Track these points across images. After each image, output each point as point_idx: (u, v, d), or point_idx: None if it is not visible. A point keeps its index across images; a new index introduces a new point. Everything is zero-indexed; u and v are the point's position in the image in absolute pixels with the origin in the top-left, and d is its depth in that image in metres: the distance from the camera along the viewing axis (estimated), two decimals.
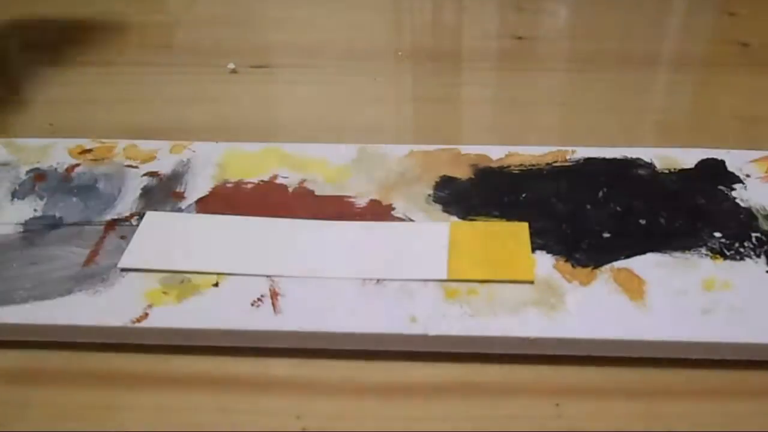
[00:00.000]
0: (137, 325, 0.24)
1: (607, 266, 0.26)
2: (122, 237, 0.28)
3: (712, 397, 0.23)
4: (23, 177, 0.31)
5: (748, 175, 0.31)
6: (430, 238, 0.28)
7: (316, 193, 0.30)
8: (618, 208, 0.29)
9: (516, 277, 0.26)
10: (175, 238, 0.28)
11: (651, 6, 0.51)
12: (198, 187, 0.31)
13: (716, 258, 0.27)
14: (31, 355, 0.25)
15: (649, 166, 0.31)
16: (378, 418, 0.23)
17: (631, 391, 0.23)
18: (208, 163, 0.32)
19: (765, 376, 0.24)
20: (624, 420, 0.23)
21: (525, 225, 0.28)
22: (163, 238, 0.28)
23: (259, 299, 0.25)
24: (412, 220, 0.29)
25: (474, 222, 0.29)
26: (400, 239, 0.28)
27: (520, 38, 0.46)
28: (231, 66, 0.43)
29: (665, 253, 0.27)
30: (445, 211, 0.29)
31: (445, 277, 0.26)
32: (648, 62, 0.44)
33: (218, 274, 0.26)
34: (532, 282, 0.26)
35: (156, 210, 0.29)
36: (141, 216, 0.29)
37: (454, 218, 0.29)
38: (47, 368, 0.24)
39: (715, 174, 0.31)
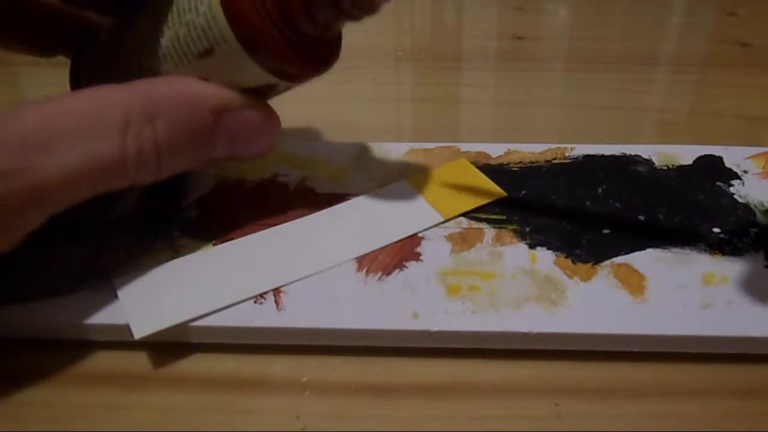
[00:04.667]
0: None
1: (607, 262, 0.27)
2: (124, 236, 0.28)
3: (712, 395, 0.23)
4: None
5: (745, 171, 0.31)
6: (401, 197, 0.29)
7: (317, 191, 0.31)
8: (617, 205, 0.29)
9: (493, 197, 0.29)
10: (170, 289, 0.26)
11: (651, 6, 0.52)
12: (199, 185, 0.31)
13: (715, 253, 0.27)
14: (31, 354, 0.25)
15: (648, 162, 0.32)
16: (378, 418, 0.23)
17: (631, 391, 0.23)
18: None
19: (765, 370, 0.24)
20: (624, 420, 0.23)
21: (463, 159, 0.31)
22: (156, 294, 0.26)
23: (262, 296, 0.25)
24: None
25: (423, 171, 0.31)
26: (377, 208, 0.29)
27: (520, 38, 0.47)
28: None
29: (665, 248, 0.27)
30: None
31: (441, 219, 0.28)
32: (648, 62, 0.44)
33: (227, 307, 0.25)
34: (505, 195, 0.29)
35: (157, 209, 0.29)
36: (142, 214, 0.29)
37: None
38: (47, 367, 0.24)
39: (713, 170, 0.31)
